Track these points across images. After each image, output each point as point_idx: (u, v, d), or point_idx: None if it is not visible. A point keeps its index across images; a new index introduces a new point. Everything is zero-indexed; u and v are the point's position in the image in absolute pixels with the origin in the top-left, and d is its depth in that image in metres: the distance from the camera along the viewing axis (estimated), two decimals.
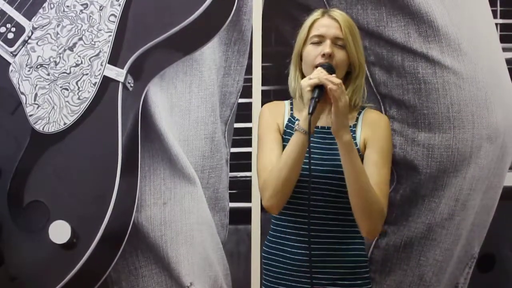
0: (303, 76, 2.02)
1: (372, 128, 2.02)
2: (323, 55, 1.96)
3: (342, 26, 1.99)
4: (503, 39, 2.84)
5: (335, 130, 1.88)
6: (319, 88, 1.86)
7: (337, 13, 2.02)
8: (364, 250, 2.06)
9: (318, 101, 1.85)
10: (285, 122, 2.07)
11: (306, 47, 2.02)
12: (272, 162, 1.98)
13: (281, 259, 2.05)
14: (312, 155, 1.96)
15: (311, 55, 2.00)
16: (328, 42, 1.98)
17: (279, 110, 2.10)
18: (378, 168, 1.97)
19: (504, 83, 2.80)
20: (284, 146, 2.02)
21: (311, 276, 1.97)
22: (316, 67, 1.96)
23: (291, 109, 2.09)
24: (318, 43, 2.00)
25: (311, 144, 1.92)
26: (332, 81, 1.85)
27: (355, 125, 2.04)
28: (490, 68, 2.76)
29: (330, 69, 1.94)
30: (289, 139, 1.97)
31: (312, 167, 1.94)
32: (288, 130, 2.05)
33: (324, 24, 2.01)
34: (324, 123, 2.02)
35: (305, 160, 1.94)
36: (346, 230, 2.00)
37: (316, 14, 2.05)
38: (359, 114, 2.06)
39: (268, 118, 2.09)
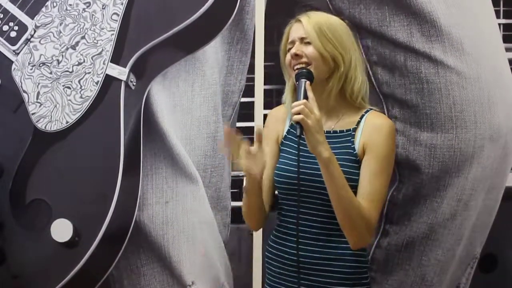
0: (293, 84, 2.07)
1: (372, 134, 2.01)
2: (292, 57, 2.03)
3: (304, 24, 2.04)
4: (506, 39, 2.84)
5: (311, 149, 1.89)
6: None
7: (305, 16, 2.07)
8: (364, 256, 2.06)
9: (302, 128, 1.88)
10: (286, 128, 2.12)
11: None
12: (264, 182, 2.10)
13: (282, 260, 2.05)
14: (308, 159, 1.97)
15: (286, 60, 2.07)
16: (296, 44, 2.04)
17: (282, 116, 2.15)
18: (373, 177, 1.97)
19: (507, 83, 2.80)
20: (285, 151, 2.08)
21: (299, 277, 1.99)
22: (294, 69, 2.02)
23: None
24: (291, 48, 2.06)
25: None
26: (296, 110, 1.88)
27: (354, 129, 2.03)
28: (493, 68, 2.76)
29: (309, 75, 1.98)
30: (288, 144, 2.08)
31: (309, 171, 1.97)
32: (289, 136, 2.11)
33: (293, 30, 2.08)
34: (327, 127, 2.05)
35: (301, 164, 1.99)
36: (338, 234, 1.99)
37: (291, 22, 2.11)
38: (361, 117, 2.05)
39: (268, 127, 2.17)
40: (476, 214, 2.79)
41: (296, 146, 2.04)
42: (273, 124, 2.16)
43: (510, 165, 2.83)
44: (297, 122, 1.88)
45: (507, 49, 2.83)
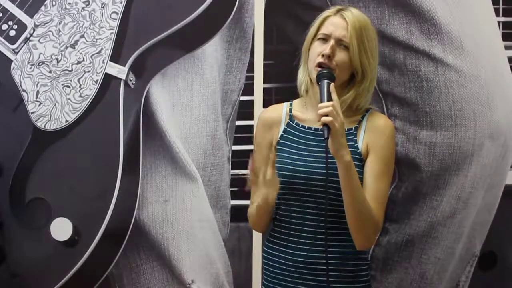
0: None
1: (376, 135, 2.01)
2: (323, 55, 1.96)
3: (349, 28, 1.97)
4: (505, 37, 2.83)
5: (334, 151, 1.87)
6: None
7: (349, 13, 2.00)
8: (365, 253, 2.06)
9: (330, 130, 1.86)
10: (282, 128, 2.08)
11: (314, 42, 2.02)
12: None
13: (281, 260, 2.05)
14: (313, 158, 1.97)
15: (315, 52, 2.00)
16: (331, 42, 1.97)
17: (275, 119, 2.10)
18: (378, 179, 1.97)
19: (506, 81, 2.80)
20: (282, 151, 2.05)
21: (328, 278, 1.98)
22: (319, 66, 1.97)
23: (290, 110, 2.09)
24: (324, 40, 1.99)
25: (315, 145, 1.94)
26: (324, 111, 1.85)
27: (356, 128, 2.03)
28: (492, 66, 2.76)
29: (331, 77, 1.94)
30: (286, 143, 2.05)
31: (313, 170, 1.96)
32: (286, 135, 2.07)
33: (333, 23, 2.00)
34: None
35: (305, 163, 1.98)
36: (347, 233, 1.99)
37: (329, 11, 2.04)
38: (363, 117, 2.04)
39: (260, 134, 2.12)
40: (475, 212, 2.79)
41: (293, 145, 2.04)
42: (265, 130, 2.11)
43: (509, 163, 2.83)
44: (325, 124, 1.85)
45: (507, 47, 2.83)
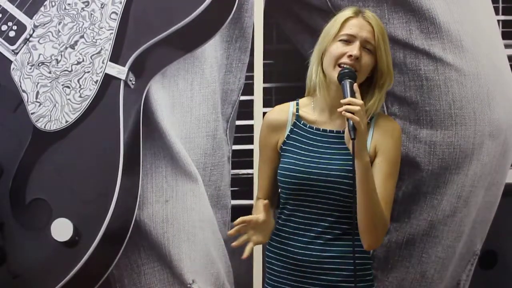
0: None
1: (384, 137, 2.00)
2: (350, 56, 1.94)
3: (375, 31, 1.97)
4: (505, 36, 2.84)
5: (357, 152, 1.87)
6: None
7: (371, 15, 2.01)
8: (368, 253, 2.07)
9: (356, 130, 1.85)
10: (287, 131, 2.08)
11: (333, 43, 1.99)
12: (261, 186, 2.13)
13: (286, 259, 2.05)
14: (322, 159, 1.98)
15: (337, 51, 1.97)
16: (357, 43, 1.96)
17: (281, 121, 2.09)
18: (386, 180, 1.97)
19: (506, 79, 2.80)
20: (289, 151, 2.04)
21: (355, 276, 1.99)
22: (339, 66, 1.95)
23: (297, 110, 2.08)
24: (347, 41, 1.97)
25: (323, 147, 1.94)
26: (353, 109, 1.84)
27: None
28: (492, 64, 2.76)
29: (353, 77, 1.93)
30: (293, 144, 2.04)
31: (319, 171, 1.98)
32: (292, 136, 2.06)
33: (357, 24, 1.98)
34: (337, 126, 2.03)
35: (312, 164, 1.99)
36: (352, 233, 1.99)
37: (349, 12, 2.02)
38: (370, 119, 2.03)
39: (265, 136, 2.11)
40: (476, 210, 2.80)
41: (300, 145, 2.04)
42: (270, 133, 2.10)
43: (509, 161, 2.83)
44: (352, 124, 1.84)
45: (506, 46, 2.83)
